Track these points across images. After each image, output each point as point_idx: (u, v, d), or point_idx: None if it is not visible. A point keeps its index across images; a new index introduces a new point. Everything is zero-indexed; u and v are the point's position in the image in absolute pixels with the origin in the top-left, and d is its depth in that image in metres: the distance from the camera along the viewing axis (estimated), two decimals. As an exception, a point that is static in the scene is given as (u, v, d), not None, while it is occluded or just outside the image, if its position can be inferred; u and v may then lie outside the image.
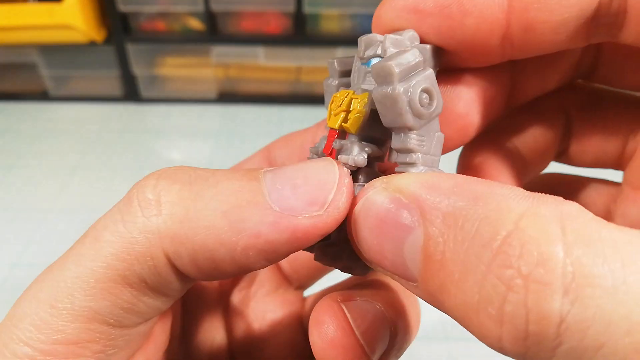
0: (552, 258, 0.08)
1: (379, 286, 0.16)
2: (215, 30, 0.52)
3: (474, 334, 0.09)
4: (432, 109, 0.13)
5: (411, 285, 0.11)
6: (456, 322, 0.10)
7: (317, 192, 0.12)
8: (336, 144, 0.14)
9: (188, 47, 0.53)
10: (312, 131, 0.18)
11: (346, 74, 0.15)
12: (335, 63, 0.15)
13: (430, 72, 0.13)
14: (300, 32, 0.51)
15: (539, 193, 0.09)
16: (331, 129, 0.14)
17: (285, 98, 0.56)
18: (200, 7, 0.49)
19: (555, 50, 0.14)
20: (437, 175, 0.11)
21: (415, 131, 0.13)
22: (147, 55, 0.54)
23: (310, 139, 0.18)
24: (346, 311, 0.14)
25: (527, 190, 0.10)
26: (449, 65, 0.15)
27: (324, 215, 0.12)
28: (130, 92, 0.55)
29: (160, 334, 0.15)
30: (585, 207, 0.10)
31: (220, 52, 0.53)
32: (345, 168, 0.13)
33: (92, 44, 0.51)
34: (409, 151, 0.13)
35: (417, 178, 0.11)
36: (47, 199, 0.44)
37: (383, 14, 0.14)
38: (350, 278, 0.21)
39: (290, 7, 0.49)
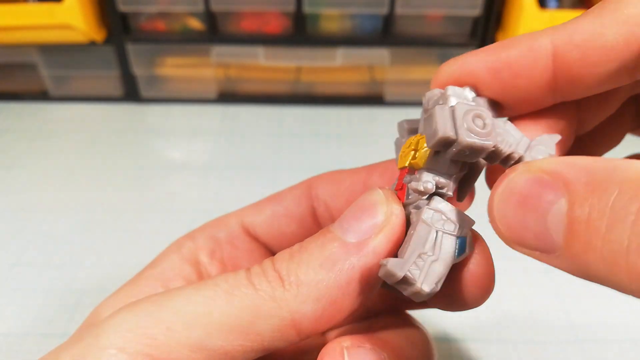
0: None
1: (397, 334, 0.17)
2: (215, 30, 0.52)
3: (619, 282, 0.11)
4: (485, 131, 0.14)
5: (551, 257, 0.12)
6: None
7: (374, 212, 0.15)
8: (406, 179, 0.16)
9: (188, 47, 0.53)
10: (363, 173, 0.20)
11: (414, 131, 0.17)
12: (405, 123, 0.17)
13: (476, 104, 0.15)
14: (300, 32, 0.51)
15: None
16: (401, 168, 0.16)
17: (285, 98, 0.56)
18: (200, 7, 0.49)
19: (603, 91, 0.15)
20: (571, 156, 0.12)
21: (490, 142, 0.14)
22: (147, 55, 0.54)
23: (362, 182, 0.19)
24: (346, 358, 0.15)
25: None
26: (505, 113, 0.17)
27: (388, 225, 0.15)
28: (130, 92, 0.55)
29: None
30: None
31: (220, 52, 0.53)
32: (392, 190, 0.16)
33: (92, 44, 0.51)
34: (510, 157, 0.15)
35: (555, 159, 0.12)
36: (47, 199, 0.44)
37: (440, 77, 0.17)
38: (371, 320, 0.21)
39: (290, 7, 0.49)
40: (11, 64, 0.54)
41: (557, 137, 0.15)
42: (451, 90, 0.16)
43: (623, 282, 0.10)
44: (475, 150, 0.14)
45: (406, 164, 0.16)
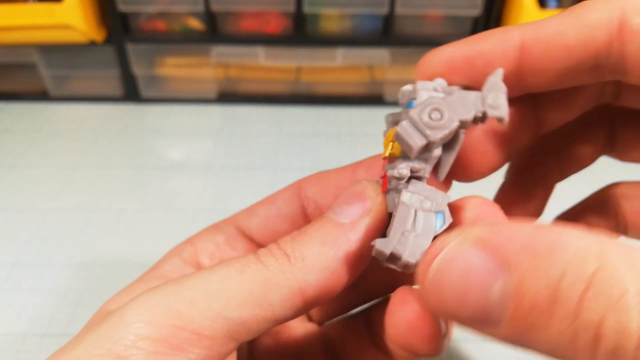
0: (630, 287, 0.10)
1: None
2: (215, 30, 0.52)
3: (564, 356, 0.11)
4: (445, 120, 0.16)
5: (488, 328, 0.12)
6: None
7: (363, 198, 0.17)
8: (387, 167, 0.18)
9: (188, 47, 0.53)
10: (348, 171, 0.21)
11: (397, 123, 0.19)
12: (389, 117, 0.19)
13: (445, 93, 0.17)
14: (300, 32, 0.51)
15: (601, 232, 0.12)
16: (384, 159, 0.18)
17: (285, 98, 0.56)
18: (200, 7, 0.49)
19: (567, 87, 0.17)
20: (510, 224, 0.12)
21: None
22: (147, 55, 0.54)
23: (347, 178, 0.21)
24: None
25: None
26: None
27: (374, 206, 0.17)
28: (130, 92, 0.55)
29: None
30: None
31: (220, 52, 0.53)
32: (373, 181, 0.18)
33: (92, 44, 0.51)
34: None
35: (493, 229, 0.12)
36: (47, 199, 0.44)
37: (423, 66, 0.19)
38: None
39: (290, 7, 0.49)
40: (11, 64, 0.53)
41: (500, 73, 0.17)
42: (420, 84, 0.18)
43: (567, 356, 0.11)
44: (449, 137, 0.16)
45: (387, 155, 0.18)
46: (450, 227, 0.17)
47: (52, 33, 0.49)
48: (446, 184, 0.20)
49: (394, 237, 0.16)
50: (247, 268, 0.16)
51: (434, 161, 0.17)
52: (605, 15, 0.15)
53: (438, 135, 0.16)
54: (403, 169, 0.17)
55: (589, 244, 0.11)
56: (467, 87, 0.18)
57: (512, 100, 0.18)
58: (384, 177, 0.18)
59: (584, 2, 0.16)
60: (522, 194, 0.22)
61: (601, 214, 0.22)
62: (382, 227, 0.18)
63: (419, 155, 0.17)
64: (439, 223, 0.17)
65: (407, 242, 0.16)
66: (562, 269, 0.11)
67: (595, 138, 0.21)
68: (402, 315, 0.16)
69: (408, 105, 0.18)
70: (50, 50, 0.52)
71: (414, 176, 0.17)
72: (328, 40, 0.52)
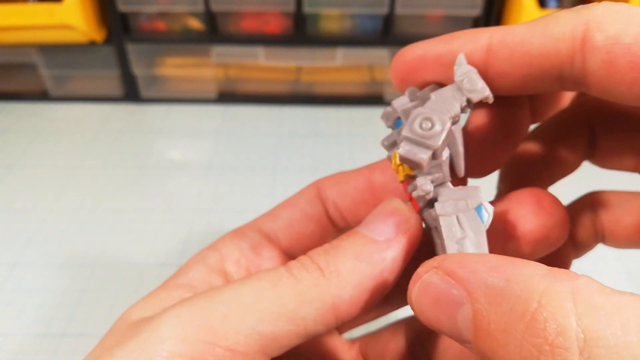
0: (568, 328, 0.11)
1: None
2: (215, 30, 0.52)
3: None
4: (437, 124, 0.16)
5: (466, 345, 0.13)
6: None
7: (397, 216, 0.17)
8: (409, 189, 0.18)
9: (188, 47, 0.53)
10: (365, 173, 0.21)
11: (394, 144, 0.19)
12: (384, 141, 0.19)
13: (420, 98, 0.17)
14: (300, 32, 0.51)
15: (555, 268, 0.12)
16: (401, 182, 0.18)
17: (285, 98, 0.56)
18: (200, 7, 0.49)
19: (535, 92, 0.17)
20: (476, 258, 0.14)
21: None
22: (147, 55, 0.54)
23: (364, 181, 0.21)
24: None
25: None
26: None
27: (410, 226, 0.17)
28: (130, 92, 0.55)
29: None
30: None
31: (220, 52, 0.53)
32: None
33: (92, 44, 0.51)
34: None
35: (461, 261, 0.14)
36: (47, 199, 0.44)
37: (398, 60, 0.19)
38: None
39: (290, 7, 0.49)
40: (11, 64, 0.54)
41: (462, 58, 0.17)
42: (396, 102, 0.18)
43: None
44: (449, 137, 0.17)
45: (402, 179, 0.18)
46: (509, 221, 0.18)
47: (52, 33, 0.49)
48: (462, 182, 0.19)
49: (451, 250, 0.16)
50: (278, 282, 0.16)
51: (447, 163, 0.17)
52: (570, 29, 0.15)
53: (438, 140, 0.16)
54: (425, 184, 0.17)
55: (536, 283, 0.12)
56: (439, 84, 0.18)
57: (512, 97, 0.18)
58: (412, 199, 0.18)
59: (553, 13, 0.16)
60: None
61: (580, 223, 0.22)
62: (416, 248, 0.18)
63: (430, 166, 0.17)
64: (485, 216, 0.16)
65: (466, 249, 0.16)
66: (511, 303, 0.12)
67: (578, 143, 0.21)
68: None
69: (396, 125, 0.18)
70: (50, 50, 0.52)
71: (437, 184, 0.17)
72: (328, 40, 0.52)
